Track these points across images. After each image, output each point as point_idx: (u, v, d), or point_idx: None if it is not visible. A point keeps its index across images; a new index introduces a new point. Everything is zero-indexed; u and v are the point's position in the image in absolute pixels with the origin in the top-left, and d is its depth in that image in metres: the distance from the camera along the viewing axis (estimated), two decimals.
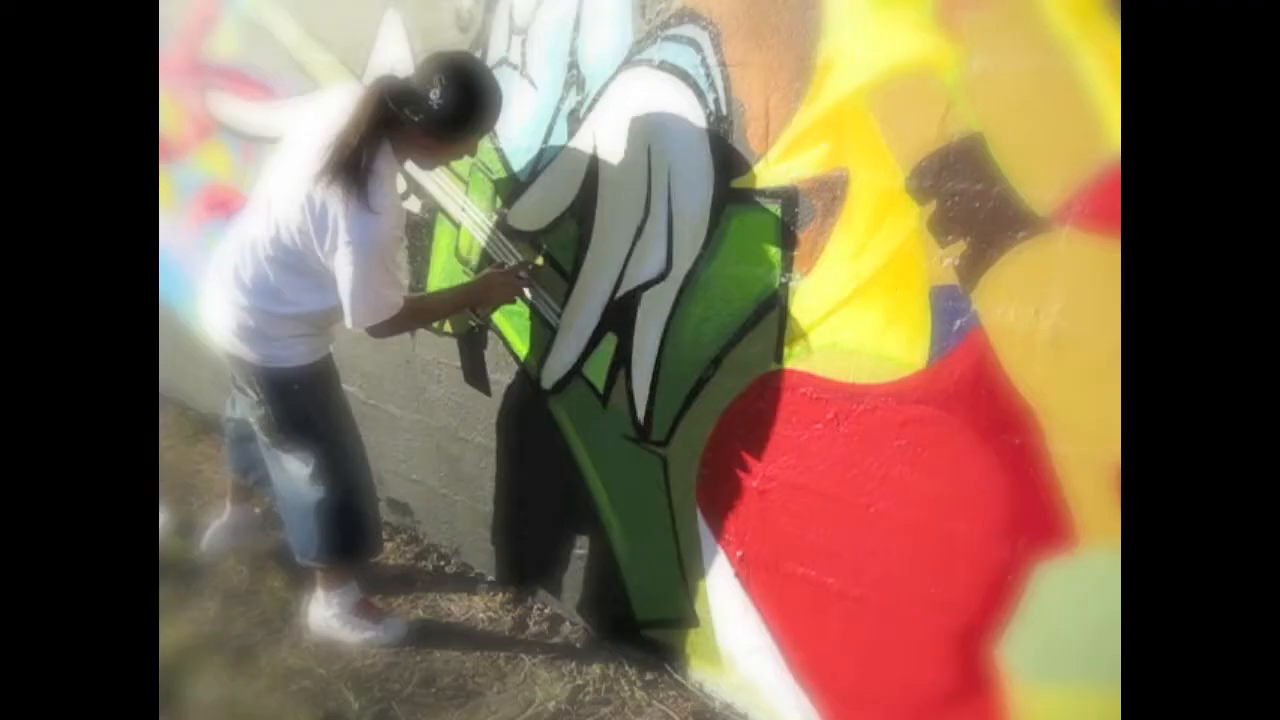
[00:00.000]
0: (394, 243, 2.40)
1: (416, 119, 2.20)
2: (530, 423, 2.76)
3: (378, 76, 2.28)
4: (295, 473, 2.58)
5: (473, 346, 2.85)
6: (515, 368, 2.74)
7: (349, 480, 2.62)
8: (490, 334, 2.78)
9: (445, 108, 2.19)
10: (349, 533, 2.67)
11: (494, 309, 2.72)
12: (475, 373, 2.88)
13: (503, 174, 2.61)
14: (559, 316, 2.57)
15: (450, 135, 2.27)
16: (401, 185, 2.92)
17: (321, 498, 2.56)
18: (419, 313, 2.60)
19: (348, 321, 2.34)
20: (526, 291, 2.61)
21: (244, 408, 2.66)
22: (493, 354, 2.79)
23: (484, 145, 2.61)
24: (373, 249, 2.26)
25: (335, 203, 2.20)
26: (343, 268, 2.26)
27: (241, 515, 3.18)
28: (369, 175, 2.19)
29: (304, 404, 2.52)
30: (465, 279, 2.78)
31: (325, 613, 2.75)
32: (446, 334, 2.92)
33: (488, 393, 2.85)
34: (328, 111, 2.29)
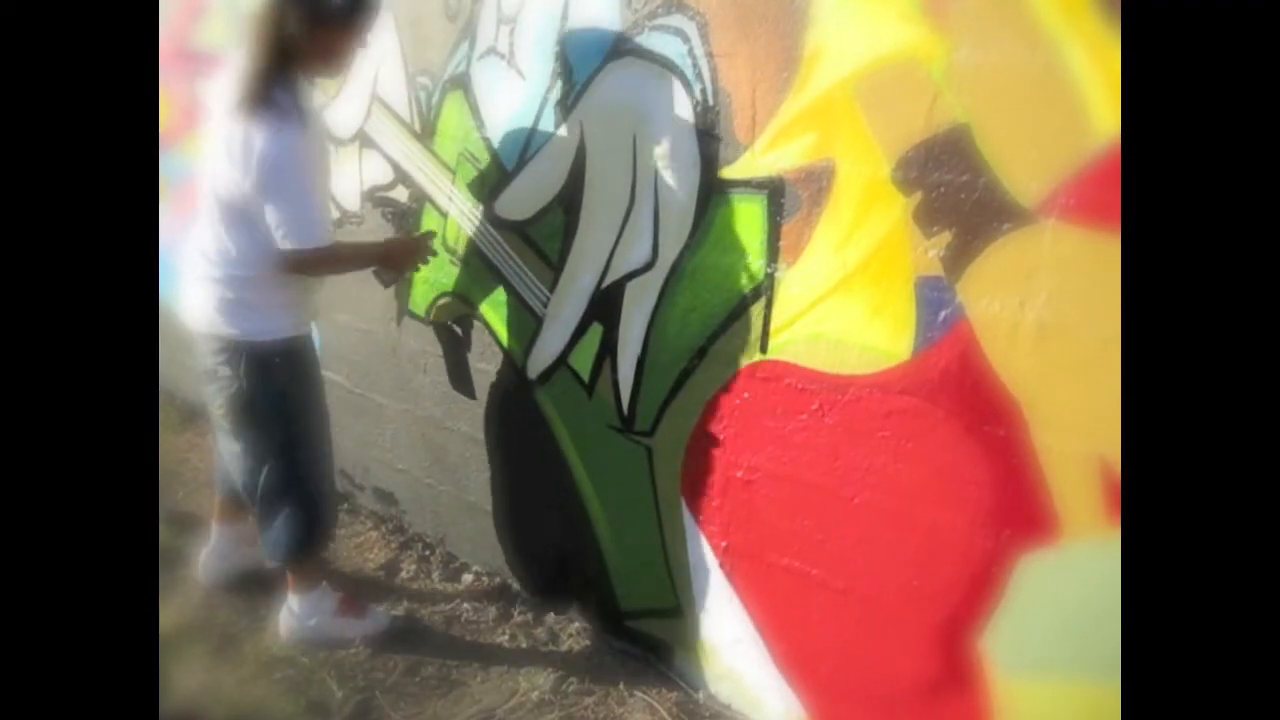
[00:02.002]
0: (318, 163, 2.35)
1: (293, 11, 2.17)
2: (516, 412, 2.76)
3: None
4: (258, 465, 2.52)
5: (456, 350, 2.85)
6: (501, 358, 2.74)
7: (308, 464, 2.56)
8: (475, 325, 2.78)
9: None
10: (310, 519, 2.59)
11: (402, 273, 2.77)
12: (460, 378, 2.87)
13: (490, 163, 2.60)
14: (545, 306, 2.57)
15: (324, 19, 2.21)
16: (389, 174, 2.93)
17: (282, 484, 2.52)
18: (339, 253, 2.54)
19: (280, 240, 2.26)
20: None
21: (211, 392, 2.52)
22: (479, 344, 2.79)
23: (472, 134, 2.61)
24: (294, 162, 2.22)
25: (250, 127, 2.18)
26: (272, 193, 2.22)
27: (226, 538, 2.95)
28: (277, 89, 2.19)
29: (282, 380, 2.45)
30: (453, 269, 2.77)
31: (305, 623, 2.65)
32: (430, 322, 2.92)
33: (472, 396, 2.84)
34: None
